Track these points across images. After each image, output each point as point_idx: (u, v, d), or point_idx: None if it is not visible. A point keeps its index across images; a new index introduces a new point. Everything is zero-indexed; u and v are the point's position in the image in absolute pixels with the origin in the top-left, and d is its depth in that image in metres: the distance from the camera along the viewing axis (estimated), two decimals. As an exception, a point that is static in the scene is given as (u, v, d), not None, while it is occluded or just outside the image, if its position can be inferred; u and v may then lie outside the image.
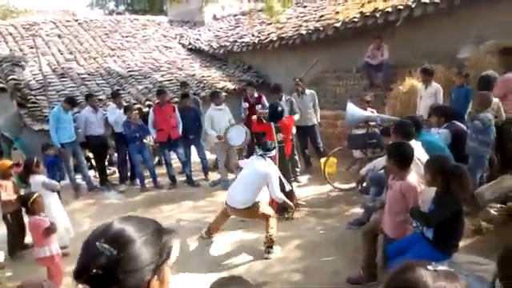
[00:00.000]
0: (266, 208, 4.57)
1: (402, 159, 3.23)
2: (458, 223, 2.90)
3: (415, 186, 3.12)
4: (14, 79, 8.19)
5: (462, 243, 3.03)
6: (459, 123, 4.81)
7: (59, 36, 12.03)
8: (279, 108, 5.50)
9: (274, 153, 4.91)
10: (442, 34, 7.20)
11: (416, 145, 3.64)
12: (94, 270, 0.91)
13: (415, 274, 0.98)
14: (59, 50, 11.24)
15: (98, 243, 0.95)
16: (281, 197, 4.59)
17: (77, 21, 13.28)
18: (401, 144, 3.40)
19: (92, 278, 0.92)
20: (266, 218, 4.44)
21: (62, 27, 12.59)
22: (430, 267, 0.99)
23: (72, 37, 12.12)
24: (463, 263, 2.88)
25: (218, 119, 6.80)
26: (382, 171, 4.49)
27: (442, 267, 1.00)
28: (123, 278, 0.93)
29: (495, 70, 5.21)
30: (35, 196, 4.05)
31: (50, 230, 3.91)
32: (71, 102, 7.09)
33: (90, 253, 0.94)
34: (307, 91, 7.22)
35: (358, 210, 5.22)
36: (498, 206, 3.94)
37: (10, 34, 11.53)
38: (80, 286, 0.92)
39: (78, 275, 0.94)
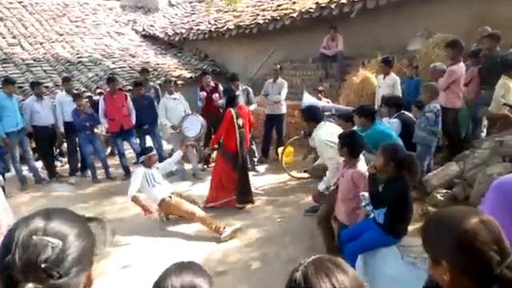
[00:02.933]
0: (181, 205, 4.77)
1: (353, 148, 3.39)
2: (406, 208, 3.03)
3: (365, 173, 3.23)
4: (-51, 64, 7.55)
5: (410, 227, 3.16)
6: (408, 113, 5.01)
7: (1, 19, 11.21)
8: (236, 93, 5.49)
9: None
10: (394, 26, 7.43)
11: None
12: (43, 265, 0.85)
13: None
14: (1, 34, 10.49)
15: (36, 237, 0.88)
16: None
17: (21, 3, 12.41)
18: (352, 133, 3.57)
19: (40, 274, 0.86)
20: (191, 216, 4.67)
21: (4, 9, 11.73)
22: None
23: (16, 20, 11.35)
24: (412, 246, 3.02)
25: (173, 109, 6.66)
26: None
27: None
28: (69, 270, 0.89)
29: (443, 62, 5.47)
30: None
31: None
32: (9, 81, 6.59)
33: (32, 248, 0.87)
34: (279, 80, 7.18)
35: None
36: (444, 191, 4.15)
37: None
38: (30, 285, 0.84)
39: (24, 274, 0.85)
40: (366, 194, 3.15)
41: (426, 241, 1.20)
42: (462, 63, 5.11)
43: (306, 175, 6.34)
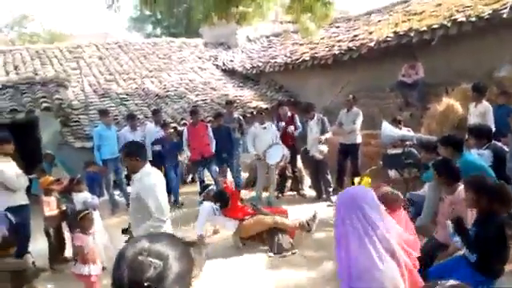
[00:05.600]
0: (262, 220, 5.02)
1: (450, 174, 3.36)
2: (502, 246, 2.79)
3: (463, 200, 3.10)
4: (59, 99, 8.63)
5: (507, 267, 2.89)
6: (499, 143, 4.65)
7: (100, 58, 12.65)
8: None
9: None
10: (478, 52, 7.06)
11: None
12: (146, 284, 0.96)
13: None
14: (100, 72, 11.80)
15: (141, 257, 0.99)
16: None
17: (117, 43, 13.94)
18: (447, 160, 3.56)
19: None
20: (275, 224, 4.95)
21: (103, 50, 13.25)
22: None
23: (112, 59, 12.73)
24: (509, 288, 2.75)
25: (261, 137, 6.87)
26: (422, 192, 4.43)
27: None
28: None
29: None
30: (85, 213, 4.20)
31: (82, 249, 4.01)
32: (104, 112, 7.44)
33: (137, 267, 0.98)
34: (353, 109, 7.09)
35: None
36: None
37: (56, 56, 12.24)
38: None
39: None
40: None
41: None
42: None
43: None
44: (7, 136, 4.78)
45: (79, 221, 4.14)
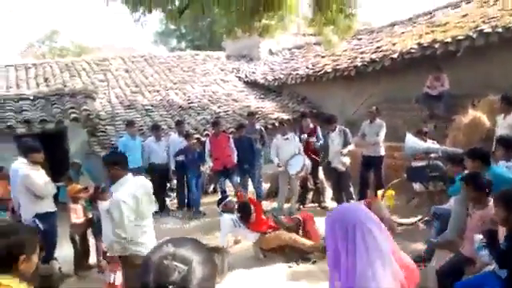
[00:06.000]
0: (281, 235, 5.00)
1: (480, 189, 3.28)
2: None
3: (493, 217, 3.02)
4: (86, 110, 8.90)
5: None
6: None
7: (127, 71, 13.01)
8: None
9: None
10: (506, 63, 6.90)
11: None
12: (170, 287, 0.99)
13: None
14: (126, 84, 12.12)
15: (166, 262, 1.02)
16: None
17: (142, 57, 14.31)
18: (476, 173, 3.47)
19: None
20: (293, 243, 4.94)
21: (130, 63, 13.62)
22: None
23: (138, 71, 13.06)
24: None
25: (283, 148, 6.91)
26: (448, 206, 4.33)
27: None
28: None
29: None
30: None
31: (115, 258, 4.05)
32: (130, 123, 7.67)
33: (163, 271, 1.01)
34: (377, 121, 7.03)
35: (419, 246, 4.98)
36: None
37: (84, 69, 12.66)
38: None
39: None
40: (480, 237, 2.90)
41: None
42: None
43: (407, 220, 5.99)
44: (37, 145, 4.95)
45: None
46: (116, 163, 3.36)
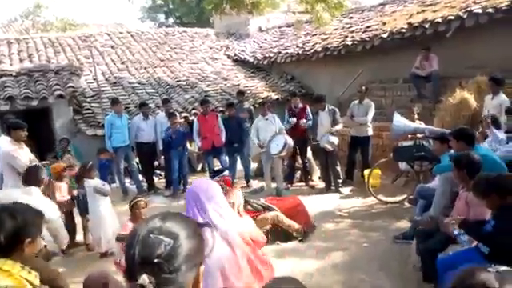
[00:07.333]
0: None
1: (472, 169, 3.26)
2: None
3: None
4: (72, 87, 8.71)
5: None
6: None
7: (113, 47, 12.72)
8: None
9: None
10: (496, 44, 6.90)
11: None
12: (156, 260, 0.97)
13: (480, 277, 0.96)
14: (112, 60, 11.87)
15: (152, 235, 1.00)
16: None
17: (129, 33, 13.99)
18: (468, 153, 3.44)
19: (154, 268, 0.97)
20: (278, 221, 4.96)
21: (116, 39, 13.31)
22: (491, 269, 0.97)
23: (124, 48, 12.78)
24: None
25: (263, 129, 6.92)
26: (433, 184, 4.39)
27: (503, 267, 0.99)
28: (179, 267, 0.99)
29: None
30: (136, 200, 4.15)
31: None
32: (115, 101, 7.51)
33: (149, 244, 1.00)
34: (365, 101, 7.05)
35: (404, 225, 5.08)
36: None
37: (69, 45, 12.34)
38: (144, 276, 0.95)
39: (141, 267, 0.98)
40: (456, 232, 2.97)
41: None
42: None
43: (393, 199, 6.08)
44: (21, 123, 4.86)
45: (130, 209, 4.07)
46: None
